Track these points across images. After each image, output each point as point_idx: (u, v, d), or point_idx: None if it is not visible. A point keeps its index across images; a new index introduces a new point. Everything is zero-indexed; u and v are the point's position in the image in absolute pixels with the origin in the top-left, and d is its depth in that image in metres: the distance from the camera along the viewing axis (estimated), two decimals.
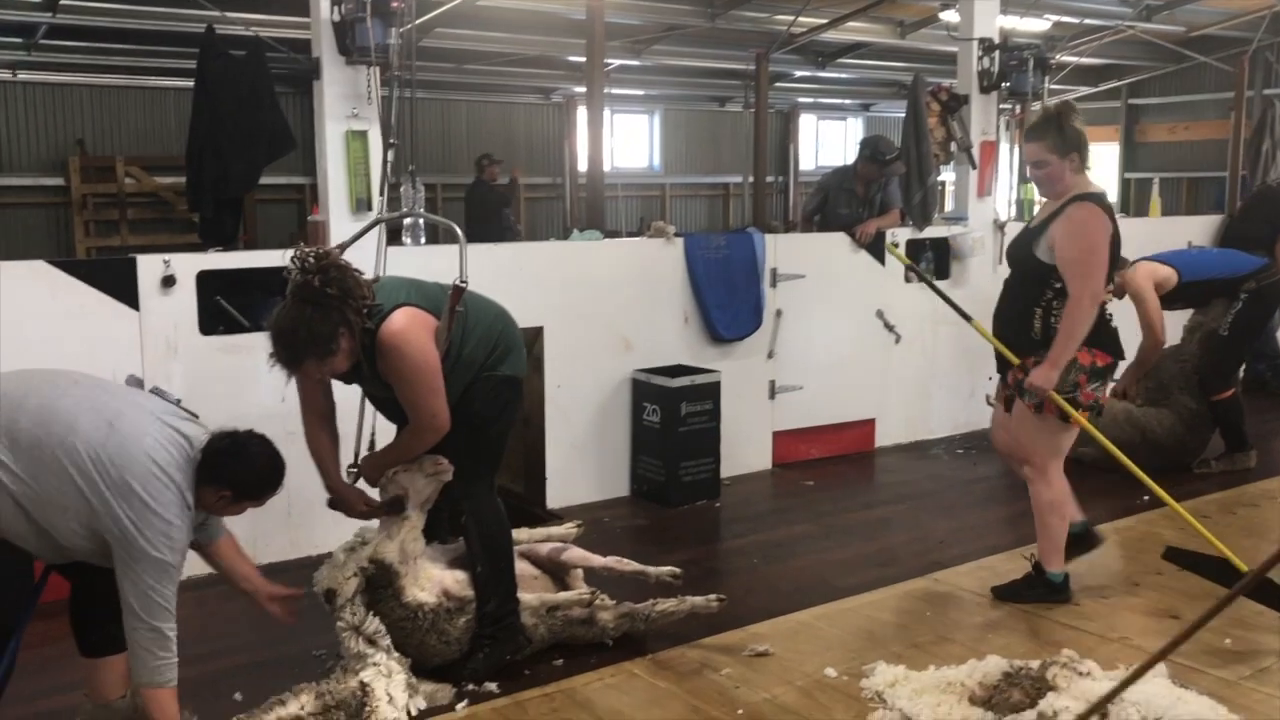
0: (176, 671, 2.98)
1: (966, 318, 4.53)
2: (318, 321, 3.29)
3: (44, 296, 4.47)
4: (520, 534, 4.03)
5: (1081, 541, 4.37)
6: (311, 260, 3.30)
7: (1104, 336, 4.12)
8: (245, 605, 4.45)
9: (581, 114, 13.88)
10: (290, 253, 3.37)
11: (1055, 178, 4.07)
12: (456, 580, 3.75)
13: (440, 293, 3.61)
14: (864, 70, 13.68)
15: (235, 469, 3.04)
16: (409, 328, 3.44)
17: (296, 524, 4.91)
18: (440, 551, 3.86)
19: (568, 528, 4.29)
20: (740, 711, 3.50)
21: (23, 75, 10.61)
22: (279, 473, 3.17)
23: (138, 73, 10.90)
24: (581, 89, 13.19)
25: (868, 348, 6.83)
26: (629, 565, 4.14)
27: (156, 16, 8.79)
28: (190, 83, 10.60)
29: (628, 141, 14.94)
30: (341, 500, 3.76)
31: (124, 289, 4.59)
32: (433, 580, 3.71)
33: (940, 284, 5.92)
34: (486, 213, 11.53)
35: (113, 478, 2.84)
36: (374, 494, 3.82)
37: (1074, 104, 4.21)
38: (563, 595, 3.93)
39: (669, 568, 4.14)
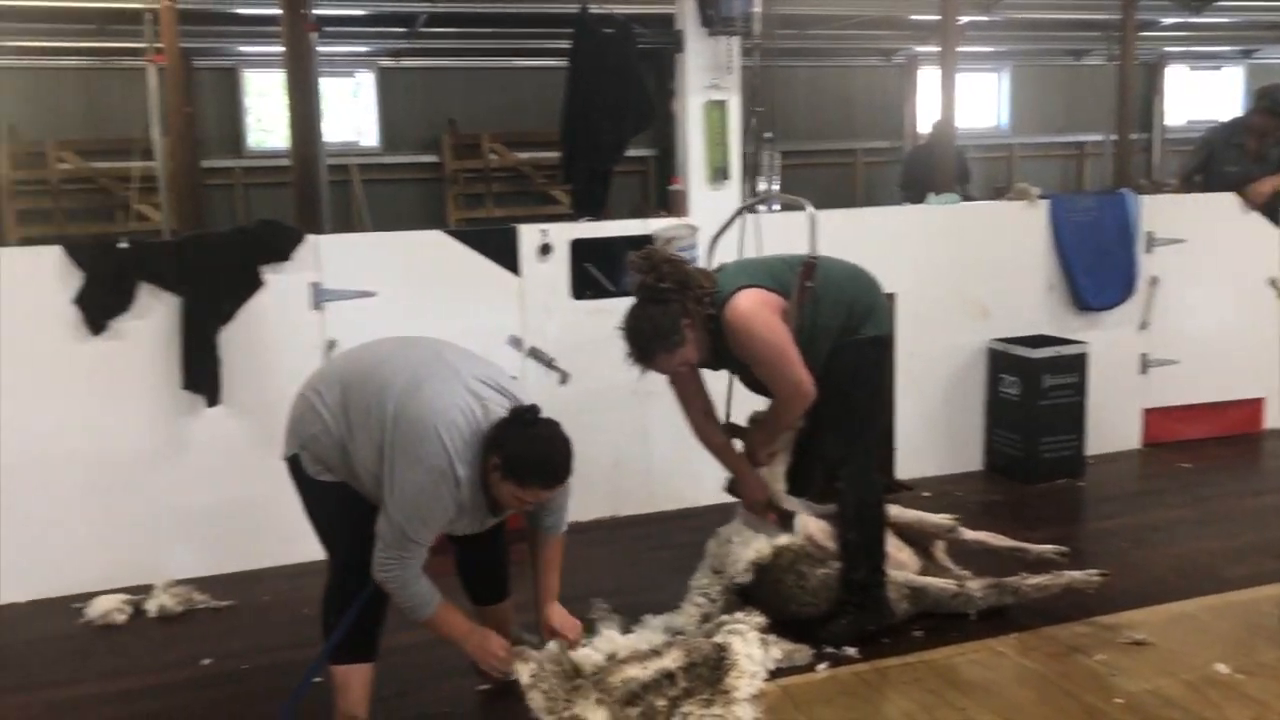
0: (430, 604, 3.06)
1: None
2: (660, 316, 3.43)
3: (441, 261, 4.92)
4: (889, 510, 3.99)
5: None
6: (643, 261, 3.47)
7: None
8: (611, 551, 4.79)
9: (924, 75, 13.50)
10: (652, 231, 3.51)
11: None
12: (822, 529, 3.80)
13: (787, 270, 3.64)
14: (1247, 12, 12.32)
15: (512, 439, 2.96)
16: (750, 307, 3.50)
17: (657, 479, 5.17)
18: (806, 507, 3.92)
19: (943, 518, 4.12)
20: (1119, 701, 3.31)
21: (405, 62, 11.66)
22: (553, 464, 3.03)
23: (501, 54, 11.68)
24: (925, 49, 12.81)
25: (1257, 319, 6.18)
26: (1004, 541, 4.00)
27: (532, 0, 9.38)
28: (549, 62, 11.44)
29: (972, 101, 14.29)
30: (744, 487, 3.89)
31: (507, 256, 4.97)
32: (798, 522, 3.80)
33: None
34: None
35: (397, 433, 2.94)
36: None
37: None
38: (931, 581, 3.86)
39: (1052, 545, 3.97)
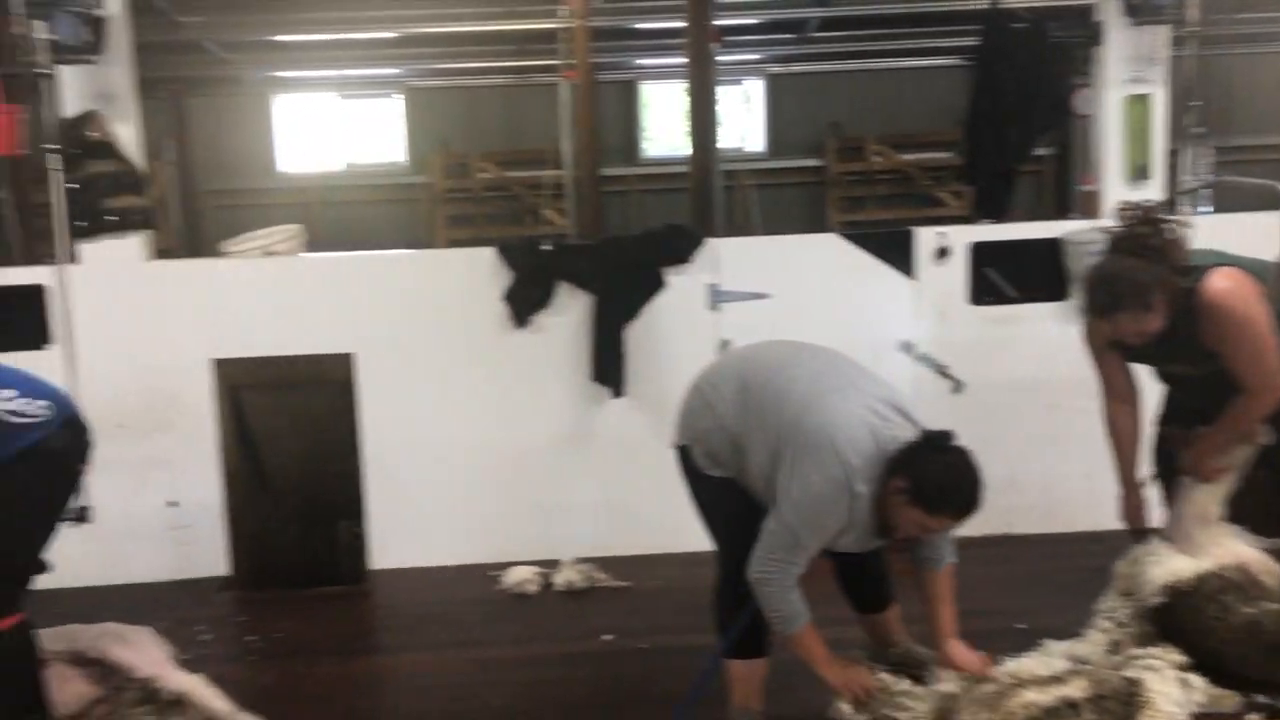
0: (800, 619, 3.01)
1: None
2: (1140, 270, 3.13)
3: (833, 264, 4.94)
4: None
5: None
6: (1139, 212, 3.21)
7: None
8: (1006, 570, 4.58)
9: None
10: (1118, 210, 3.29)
11: None
12: (1261, 562, 3.40)
13: (1259, 267, 3.28)
14: None
15: (924, 463, 2.86)
16: (1234, 285, 3.16)
17: (1057, 498, 4.90)
18: (1248, 538, 3.53)
19: None
20: None
21: (794, 67, 11.82)
22: (966, 494, 2.89)
23: (888, 56, 11.53)
24: None
25: None
26: None
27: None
28: (938, 61, 11.18)
29: None
30: (1123, 502, 3.61)
31: (902, 259, 4.90)
32: (1228, 550, 3.42)
33: None
34: None
35: (796, 439, 2.91)
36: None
37: None
38: None
39: None
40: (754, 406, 3.08)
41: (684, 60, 6.47)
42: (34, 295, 4.65)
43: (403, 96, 11.87)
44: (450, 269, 4.94)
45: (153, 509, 4.81)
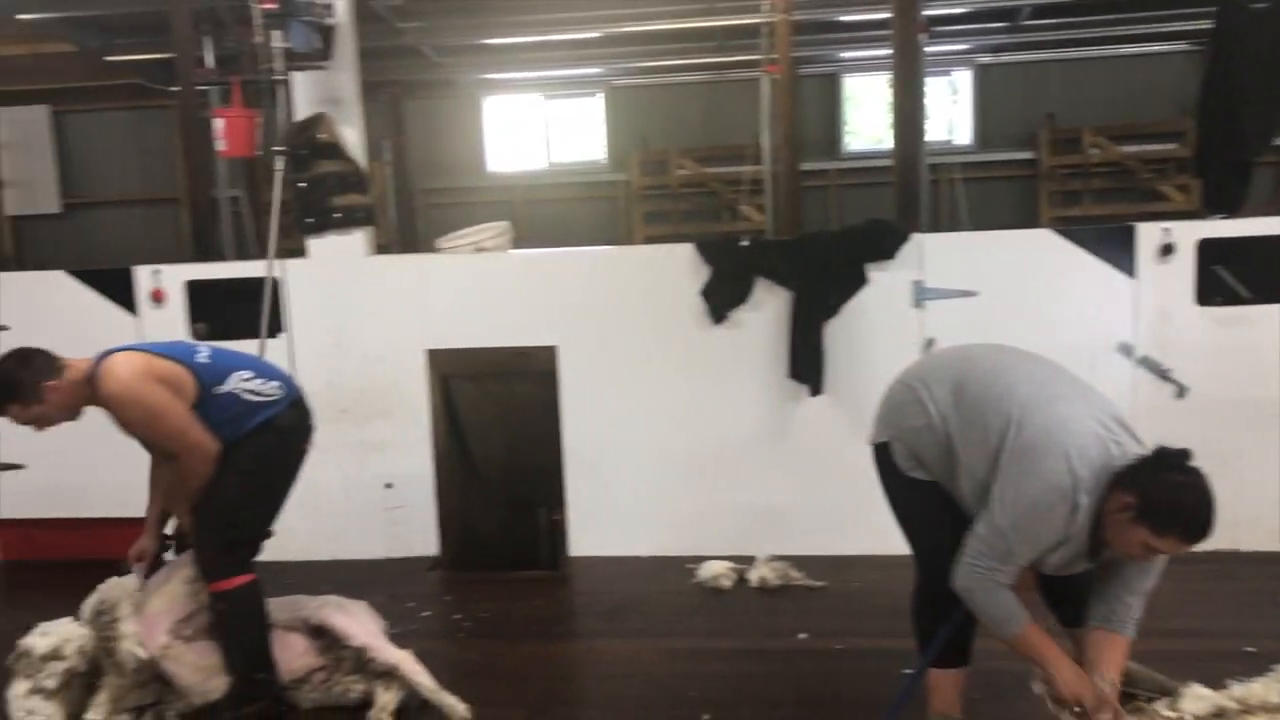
0: (1020, 619, 2.84)
1: None
2: None
3: (1046, 261, 4.73)
4: None
5: None
6: None
7: None
8: (1233, 588, 4.29)
9: None
10: None
11: None
12: None
13: None
14: None
15: (1157, 481, 2.66)
16: None
17: None
18: None
19: None
20: None
21: (1004, 57, 11.38)
22: (1200, 517, 2.65)
23: (1107, 42, 10.94)
24: None
25: None
26: None
27: None
28: (1164, 47, 10.54)
29: None
30: None
31: (1123, 256, 4.64)
32: None
33: None
34: None
35: (1020, 442, 2.78)
36: None
37: None
38: None
39: None
40: (972, 405, 2.95)
41: (889, 52, 6.32)
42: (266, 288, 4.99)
43: (603, 95, 12.10)
44: (650, 265, 5.01)
45: (370, 490, 5.09)
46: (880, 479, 3.21)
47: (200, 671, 3.51)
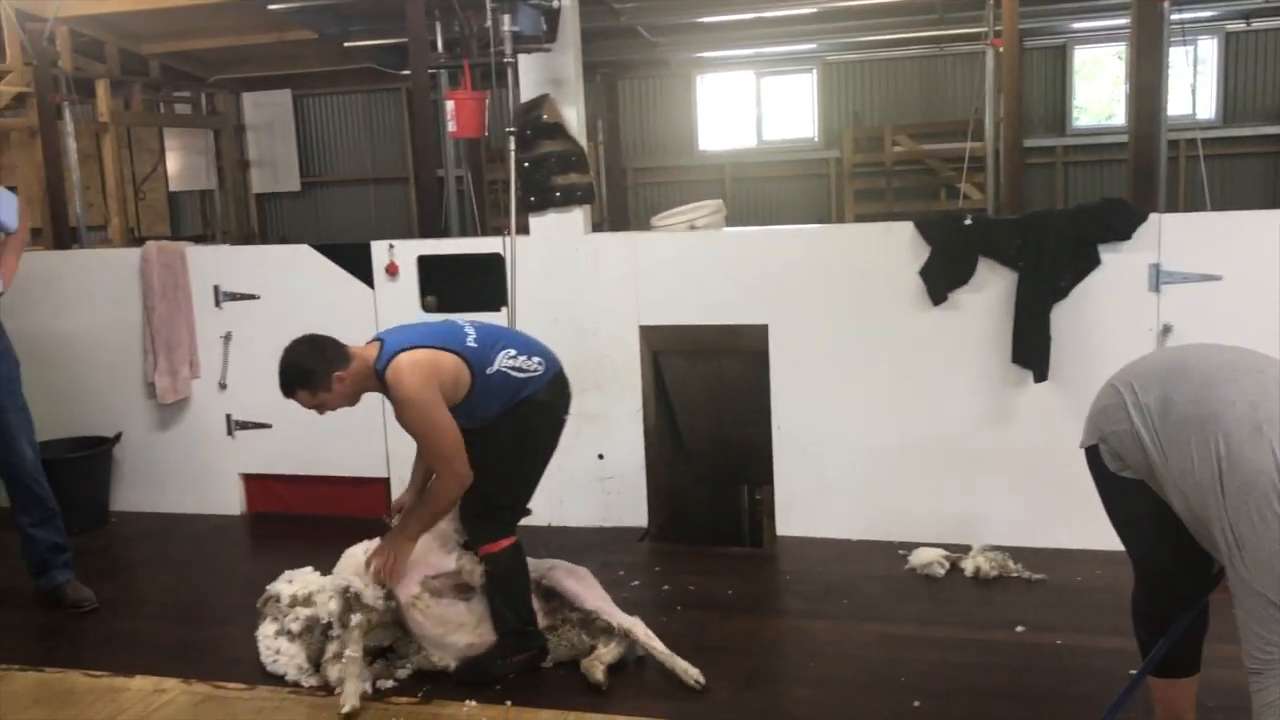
0: None
1: None
2: None
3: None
4: None
5: None
6: None
7: None
8: None
9: None
10: None
11: None
12: None
13: None
14: None
15: None
16: None
17: None
18: None
19: None
20: None
21: (1256, 24, 10.54)
22: None
23: None
24: None
25: None
26: None
27: None
28: None
29: None
30: None
31: None
32: None
33: None
34: None
35: (1232, 481, 2.43)
36: None
37: None
38: None
39: None
40: (1177, 421, 2.65)
41: (1125, 21, 5.96)
42: (493, 263, 5.20)
43: (816, 71, 11.93)
44: (865, 243, 4.92)
45: (584, 461, 5.23)
46: (1094, 481, 3.02)
47: (441, 625, 3.74)
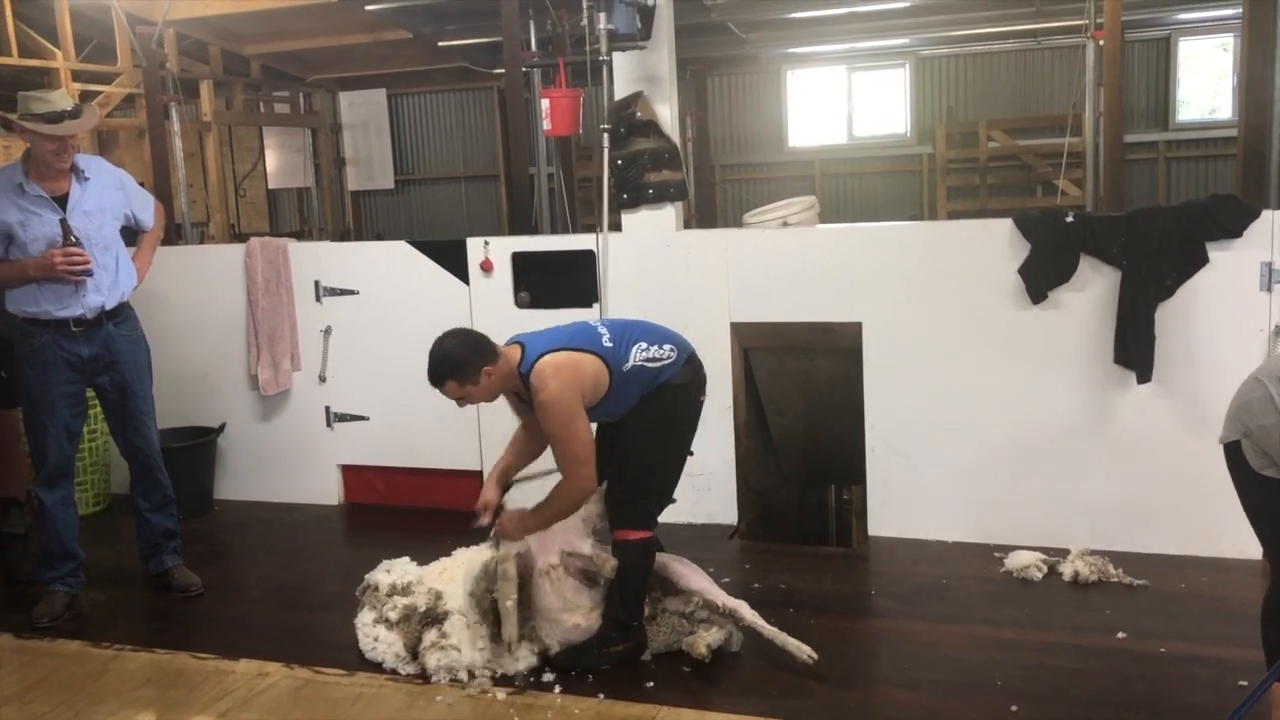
0: None
1: None
2: None
3: None
4: None
5: None
6: None
7: None
8: None
9: None
10: None
11: None
12: None
13: None
14: None
15: None
16: None
17: None
18: None
19: None
20: None
21: None
22: None
23: None
24: None
25: None
26: None
27: None
28: None
29: None
30: None
31: None
32: None
33: None
34: None
35: None
36: None
37: None
38: None
39: None
40: None
41: (1235, 12, 5.77)
42: (585, 259, 5.24)
43: (908, 66, 11.77)
44: (962, 240, 4.85)
45: None
46: (1232, 479, 2.98)
47: (564, 602, 3.83)
